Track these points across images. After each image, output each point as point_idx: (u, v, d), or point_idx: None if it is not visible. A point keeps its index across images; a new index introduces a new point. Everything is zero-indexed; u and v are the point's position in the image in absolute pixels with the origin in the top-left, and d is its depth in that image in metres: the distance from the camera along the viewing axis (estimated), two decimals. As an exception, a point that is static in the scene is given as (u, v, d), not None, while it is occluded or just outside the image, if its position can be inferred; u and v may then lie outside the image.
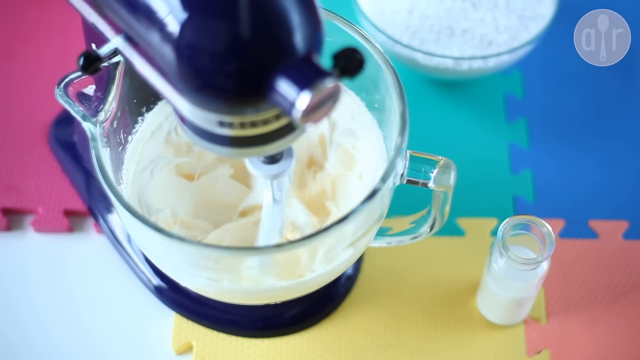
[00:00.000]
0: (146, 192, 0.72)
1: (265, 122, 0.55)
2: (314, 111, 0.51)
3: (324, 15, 0.54)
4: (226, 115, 0.55)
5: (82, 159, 0.85)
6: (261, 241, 0.69)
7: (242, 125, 0.55)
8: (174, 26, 0.51)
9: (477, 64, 0.86)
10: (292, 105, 0.51)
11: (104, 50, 0.59)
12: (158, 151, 0.74)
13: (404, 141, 0.65)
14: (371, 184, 0.70)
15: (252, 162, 0.62)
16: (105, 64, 0.66)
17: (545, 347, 0.78)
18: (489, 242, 0.83)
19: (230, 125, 0.55)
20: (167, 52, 0.52)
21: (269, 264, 0.65)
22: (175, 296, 0.80)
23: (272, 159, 0.62)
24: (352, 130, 0.74)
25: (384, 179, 0.64)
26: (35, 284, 0.82)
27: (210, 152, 0.58)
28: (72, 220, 0.85)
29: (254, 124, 0.55)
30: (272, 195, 0.65)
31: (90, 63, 0.59)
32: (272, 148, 0.57)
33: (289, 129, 0.57)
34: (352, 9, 0.89)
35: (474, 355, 0.78)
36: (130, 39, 0.57)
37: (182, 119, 0.58)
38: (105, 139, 0.65)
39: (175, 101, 0.55)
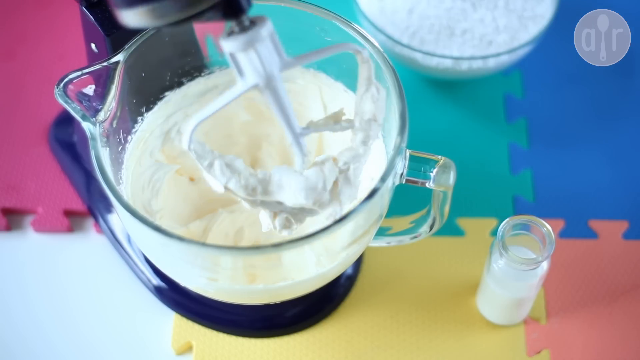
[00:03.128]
0: (146, 196, 0.73)
1: None
2: None
3: None
4: None
5: (82, 159, 0.85)
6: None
7: None
8: None
9: (477, 64, 0.86)
10: None
11: None
12: (154, 157, 0.74)
13: (404, 141, 0.65)
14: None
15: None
16: (105, 64, 0.66)
17: (545, 347, 0.78)
18: (489, 242, 0.83)
19: None
20: None
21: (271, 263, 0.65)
22: (175, 296, 0.80)
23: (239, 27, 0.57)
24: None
25: (383, 179, 0.64)
26: (35, 284, 0.82)
27: None
28: (72, 220, 0.85)
29: None
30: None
31: None
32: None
33: None
34: (352, 9, 0.89)
35: (473, 355, 0.78)
36: None
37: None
38: (104, 139, 0.65)
39: None
